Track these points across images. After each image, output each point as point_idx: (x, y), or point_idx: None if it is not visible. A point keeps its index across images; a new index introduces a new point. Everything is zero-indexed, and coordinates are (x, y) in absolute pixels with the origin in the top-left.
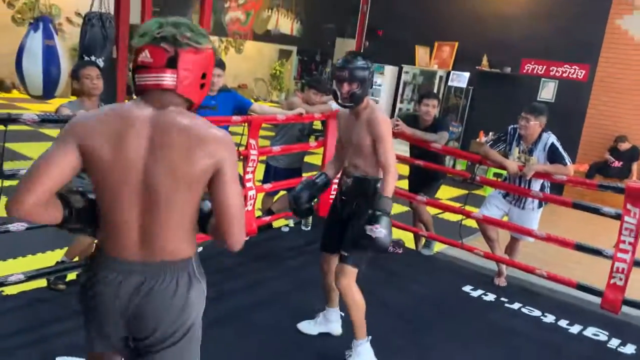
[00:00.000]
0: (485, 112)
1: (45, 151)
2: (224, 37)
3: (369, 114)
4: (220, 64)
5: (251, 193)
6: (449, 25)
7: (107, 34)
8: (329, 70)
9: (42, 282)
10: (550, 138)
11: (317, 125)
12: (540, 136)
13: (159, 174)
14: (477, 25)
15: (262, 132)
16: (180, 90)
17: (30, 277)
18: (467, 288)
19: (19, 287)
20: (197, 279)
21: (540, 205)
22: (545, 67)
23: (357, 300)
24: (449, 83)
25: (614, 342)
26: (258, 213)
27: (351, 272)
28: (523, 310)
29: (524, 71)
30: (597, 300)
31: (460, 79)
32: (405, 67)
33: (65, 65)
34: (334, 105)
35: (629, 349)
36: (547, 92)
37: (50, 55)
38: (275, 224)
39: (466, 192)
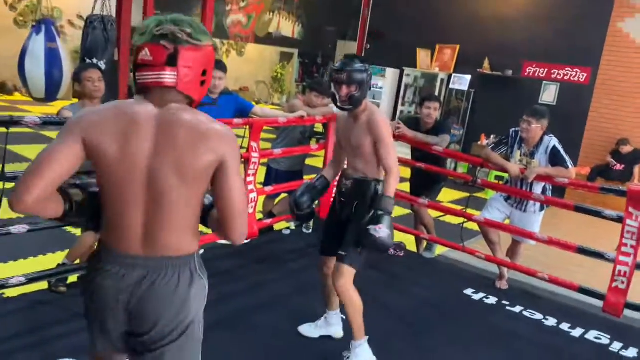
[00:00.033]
0: (487, 115)
1: (49, 145)
2: (226, 39)
3: (369, 116)
4: (222, 67)
5: (252, 196)
6: (450, 28)
7: (108, 37)
8: None
9: (43, 285)
10: (552, 141)
11: (319, 127)
12: (542, 139)
13: (164, 170)
14: (478, 28)
15: (263, 135)
16: (180, 87)
17: (32, 279)
18: (468, 291)
19: (20, 289)
20: (198, 275)
21: (542, 208)
22: (546, 70)
23: (355, 300)
24: (451, 86)
25: (616, 346)
26: (259, 216)
27: (349, 272)
28: (525, 313)
29: (526, 74)
30: (599, 303)
31: (462, 82)
32: (407, 70)
33: (68, 67)
34: (335, 108)
35: (631, 352)
36: (549, 95)
37: (52, 58)
38: (277, 227)
39: (468, 195)
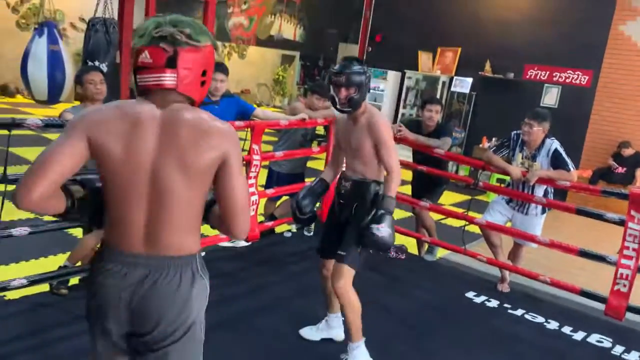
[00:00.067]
0: (488, 118)
1: (53, 142)
2: (227, 42)
3: (369, 118)
4: (224, 69)
5: (254, 198)
6: (452, 30)
7: (110, 39)
8: None
9: (44, 287)
10: (554, 144)
11: (320, 130)
12: (543, 142)
13: (167, 169)
14: (480, 31)
15: (265, 138)
16: (181, 89)
17: (33, 281)
18: (470, 294)
19: (21, 291)
20: (200, 275)
21: (543, 211)
22: (548, 72)
23: (353, 302)
24: (452, 88)
25: (618, 349)
26: (260, 218)
27: (348, 272)
28: (526, 316)
29: (527, 77)
30: (601, 306)
31: (463, 85)
32: (408, 73)
33: (70, 70)
34: (335, 110)
35: (633, 356)
36: (550, 97)
37: (55, 60)
38: (278, 229)
39: (469, 197)
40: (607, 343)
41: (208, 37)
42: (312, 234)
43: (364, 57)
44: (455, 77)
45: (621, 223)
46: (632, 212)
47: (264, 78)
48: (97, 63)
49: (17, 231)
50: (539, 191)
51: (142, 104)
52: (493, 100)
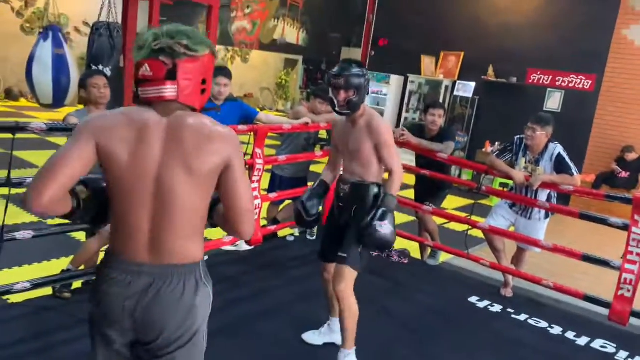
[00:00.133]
0: (491, 122)
1: (61, 147)
2: (231, 46)
3: (368, 121)
4: (227, 74)
5: (257, 202)
6: (454, 35)
7: (114, 44)
8: None
9: (47, 290)
10: (557, 148)
11: (323, 134)
12: (546, 146)
13: (172, 175)
14: (483, 35)
15: (268, 142)
16: (182, 99)
17: (36, 285)
18: (473, 299)
19: (24, 295)
20: (203, 283)
21: (546, 216)
22: (551, 77)
23: (353, 307)
24: (455, 93)
25: (622, 355)
26: (263, 222)
27: (350, 274)
28: (530, 321)
29: (530, 81)
30: (604, 311)
31: (466, 89)
32: (411, 77)
33: (75, 74)
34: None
35: None
36: (553, 102)
37: (60, 64)
38: (281, 234)
39: (472, 202)
40: (611, 348)
41: (206, 46)
42: (314, 237)
43: (367, 62)
44: (458, 82)
45: (625, 228)
46: (636, 217)
47: (267, 82)
48: (100, 67)
49: (20, 235)
50: (543, 195)
51: (147, 111)
52: (496, 105)
